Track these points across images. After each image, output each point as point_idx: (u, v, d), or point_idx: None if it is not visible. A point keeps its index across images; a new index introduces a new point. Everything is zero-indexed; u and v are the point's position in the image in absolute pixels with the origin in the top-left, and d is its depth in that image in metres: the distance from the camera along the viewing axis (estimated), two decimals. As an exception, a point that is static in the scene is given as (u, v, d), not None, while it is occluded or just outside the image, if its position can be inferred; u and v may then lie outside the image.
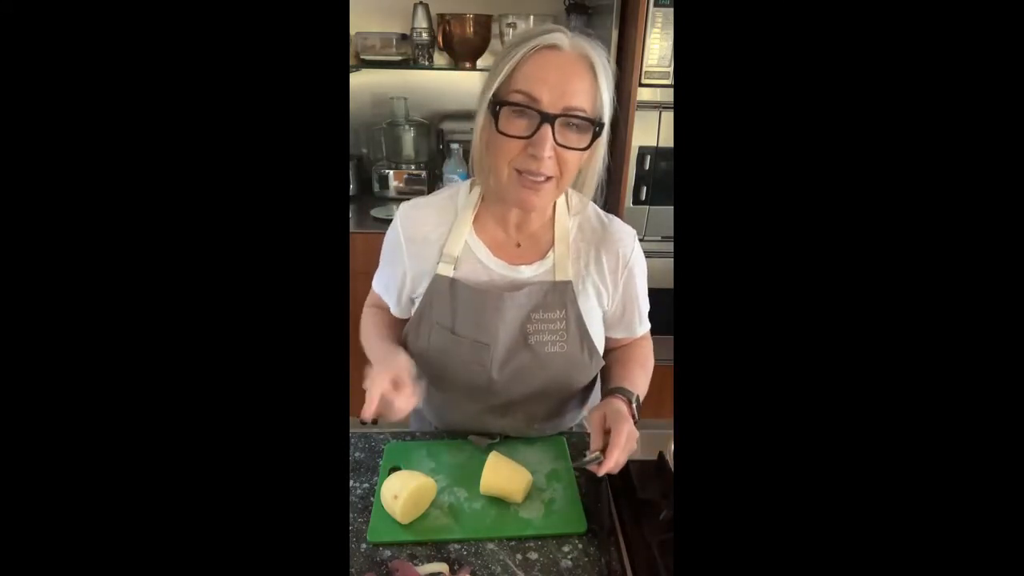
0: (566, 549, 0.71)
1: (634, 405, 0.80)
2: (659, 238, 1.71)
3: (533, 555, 0.70)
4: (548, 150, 0.72)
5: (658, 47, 1.52)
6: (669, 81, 1.56)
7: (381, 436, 0.90)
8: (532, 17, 1.82)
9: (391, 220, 0.88)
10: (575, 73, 0.72)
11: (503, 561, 0.69)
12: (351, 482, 0.81)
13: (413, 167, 1.94)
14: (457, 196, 0.88)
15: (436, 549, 0.71)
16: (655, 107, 1.59)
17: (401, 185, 1.94)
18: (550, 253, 0.86)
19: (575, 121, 0.73)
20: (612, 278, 0.87)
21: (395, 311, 0.92)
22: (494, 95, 0.73)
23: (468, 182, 0.88)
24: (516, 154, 0.74)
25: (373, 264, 0.93)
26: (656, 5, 1.48)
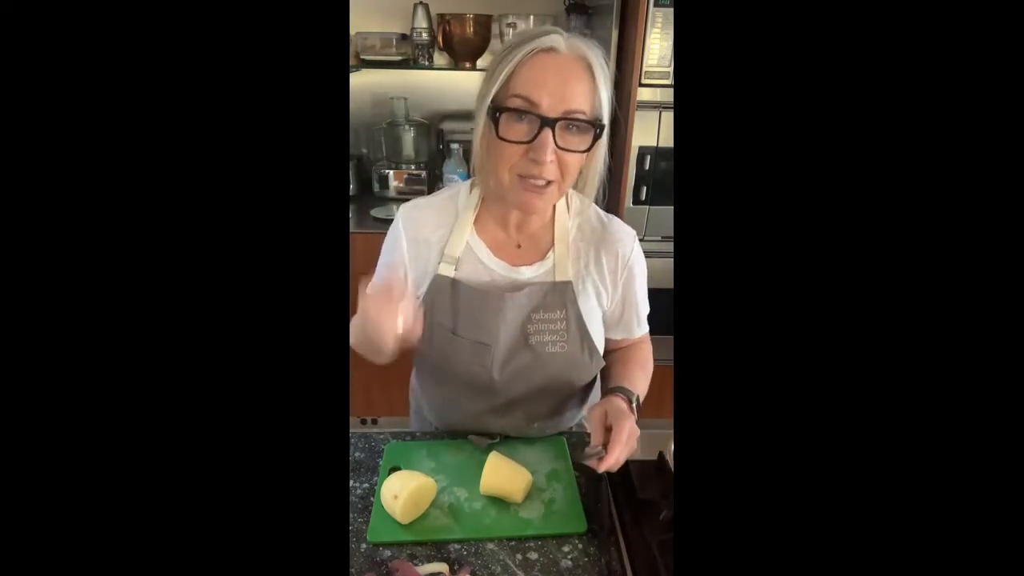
0: (566, 549, 0.71)
1: (634, 405, 0.80)
2: (659, 238, 1.71)
3: (533, 555, 0.70)
4: (549, 154, 0.72)
5: (658, 47, 1.52)
6: (669, 81, 1.56)
7: (381, 436, 0.90)
8: (532, 17, 1.82)
9: (391, 220, 0.88)
10: (573, 75, 0.72)
11: (503, 561, 0.69)
12: (351, 482, 0.81)
13: (413, 167, 1.94)
14: (457, 197, 0.88)
15: (436, 549, 0.71)
16: (655, 107, 1.59)
17: (401, 185, 1.94)
18: (550, 253, 0.86)
19: (575, 124, 0.73)
20: (612, 278, 0.88)
21: None
22: (493, 100, 0.73)
23: (468, 182, 0.88)
24: (517, 159, 0.74)
25: (373, 264, 0.93)
26: (656, 5, 1.48)
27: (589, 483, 0.81)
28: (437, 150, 2.02)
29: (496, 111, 0.73)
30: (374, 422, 1.98)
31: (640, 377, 0.89)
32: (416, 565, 0.67)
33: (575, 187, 0.85)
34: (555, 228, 0.87)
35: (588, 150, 0.75)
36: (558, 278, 0.85)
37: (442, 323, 0.84)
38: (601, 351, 0.90)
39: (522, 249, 0.87)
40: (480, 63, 1.87)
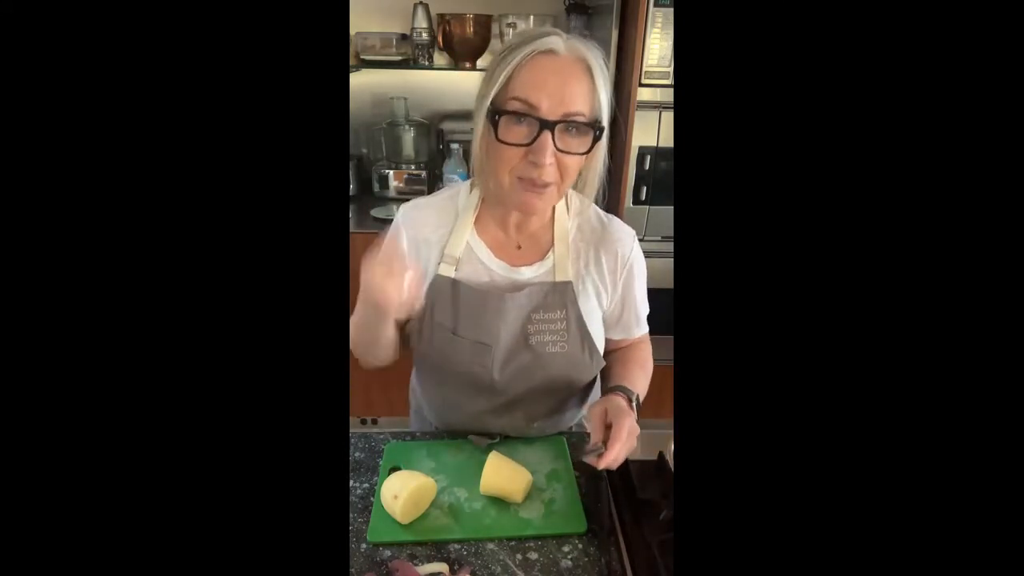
0: (566, 549, 0.71)
1: (634, 403, 0.80)
2: (659, 238, 1.71)
3: (533, 555, 0.70)
4: (549, 157, 0.72)
5: (658, 47, 1.52)
6: (669, 81, 1.56)
7: (381, 436, 0.90)
8: (532, 17, 1.82)
9: (391, 220, 0.88)
10: (572, 76, 0.72)
11: (503, 561, 0.69)
12: (351, 482, 0.81)
13: (413, 167, 1.94)
14: (458, 197, 0.88)
15: (436, 549, 0.71)
16: (655, 107, 1.59)
17: (401, 185, 1.94)
18: (550, 253, 0.86)
19: (575, 126, 0.72)
20: (611, 278, 0.88)
21: None
22: (492, 103, 0.73)
23: (468, 182, 0.88)
24: (517, 162, 0.74)
25: (373, 264, 0.93)
26: (656, 5, 1.48)
27: (589, 483, 0.81)
28: (437, 150, 2.02)
29: (495, 114, 0.73)
30: (374, 422, 1.98)
31: (640, 377, 0.89)
32: (416, 565, 0.67)
33: (575, 187, 0.85)
34: (555, 228, 0.87)
35: (587, 152, 0.75)
36: (558, 278, 0.85)
37: (442, 323, 0.84)
38: (601, 351, 0.90)
39: (522, 249, 0.87)
40: (480, 63, 1.87)
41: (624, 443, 0.71)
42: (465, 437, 0.88)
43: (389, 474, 0.76)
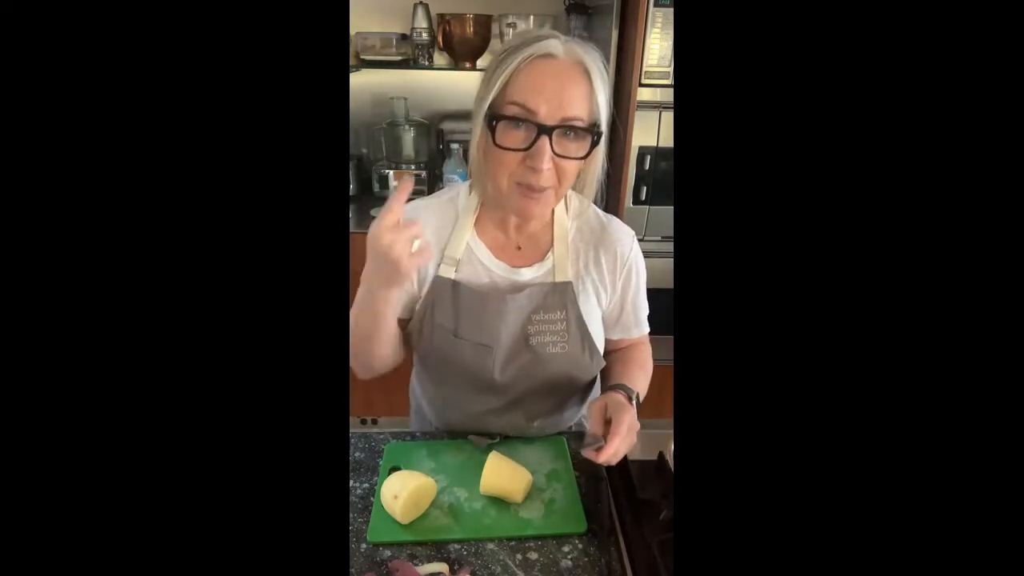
0: (566, 549, 0.71)
1: (634, 401, 0.80)
2: (659, 238, 1.71)
3: (533, 555, 0.70)
4: (547, 162, 0.71)
5: (658, 47, 1.52)
6: (669, 81, 1.56)
7: (381, 436, 0.90)
8: (532, 17, 1.82)
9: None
10: (571, 81, 0.71)
11: (503, 561, 0.69)
12: (351, 482, 0.81)
13: (413, 167, 1.94)
14: (458, 198, 0.87)
15: (436, 549, 0.71)
16: (655, 107, 1.59)
17: (401, 185, 1.94)
18: (549, 254, 0.86)
19: (573, 130, 0.72)
20: (611, 278, 0.88)
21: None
22: (490, 107, 0.73)
23: (468, 183, 0.88)
24: (515, 166, 0.73)
25: (373, 264, 0.93)
26: (656, 5, 1.48)
27: (589, 483, 0.81)
28: (437, 150, 2.02)
29: (493, 118, 0.72)
30: (374, 422, 1.98)
31: (640, 377, 0.89)
32: (416, 565, 0.67)
33: (573, 188, 0.85)
34: (555, 229, 0.87)
35: (585, 156, 0.75)
36: (558, 279, 0.85)
37: (443, 324, 0.84)
38: (601, 351, 0.90)
39: (522, 250, 0.87)
40: (480, 63, 1.87)
41: (624, 438, 0.71)
42: (465, 437, 0.88)
43: (389, 474, 0.76)
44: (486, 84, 0.74)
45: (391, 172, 1.93)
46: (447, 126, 2.04)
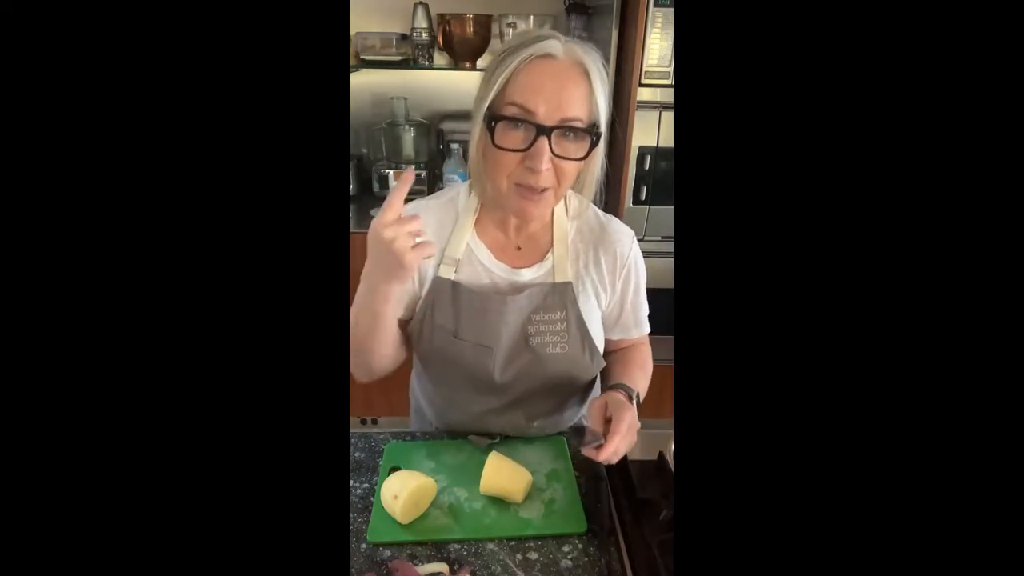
0: (566, 549, 0.71)
1: (634, 401, 0.80)
2: (659, 238, 1.71)
3: (533, 555, 0.70)
4: (545, 163, 0.71)
5: (658, 47, 1.52)
6: (669, 81, 1.56)
7: (381, 436, 0.90)
8: (532, 17, 1.82)
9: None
10: (570, 81, 0.71)
11: (503, 561, 0.69)
12: (351, 482, 0.81)
13: (413, 167, 1.94)
14: (458, 198, 0.87)
15: (436, 549, 0.71)
16: (655, 107, 1.59)
17: (401, 185, 1.94)
18: (549, 255, 0.86)
19: (572, 131, 0.72)
20: (611, 278, 0.88)
21: None
22: (489, 108, 0.73)
23: (468, 183, 0.88)
24: (514, 167, 0.73)
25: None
26: (656, 5, 1.48)
27: (589, 483, 0.81)
28: (437, 150, 2.02)
29: (492, 119, 0.72)
30: (374, 422, 1.98)
31: (640, 377, 0.89)
32: (416, 565, 0.67)
33: (573, 188, 0.85)
34: (554, 229, 0.87)
35: (585, 157, 0.75)
36: (558, 279, 0.85)
37: (443, 325, 0.84)
38: (601, 351, 0.90)
39: (522, 251, 0.87)
40: (480, 63, 1.87)
41: (624, 436, 0.71)
42: (465, 437, 0.88)
43: (389, 474, 0.76)
44: (486, 84, 0.74)
45: (391, 172, 1.93)
46: (447, 126, 2.04)
